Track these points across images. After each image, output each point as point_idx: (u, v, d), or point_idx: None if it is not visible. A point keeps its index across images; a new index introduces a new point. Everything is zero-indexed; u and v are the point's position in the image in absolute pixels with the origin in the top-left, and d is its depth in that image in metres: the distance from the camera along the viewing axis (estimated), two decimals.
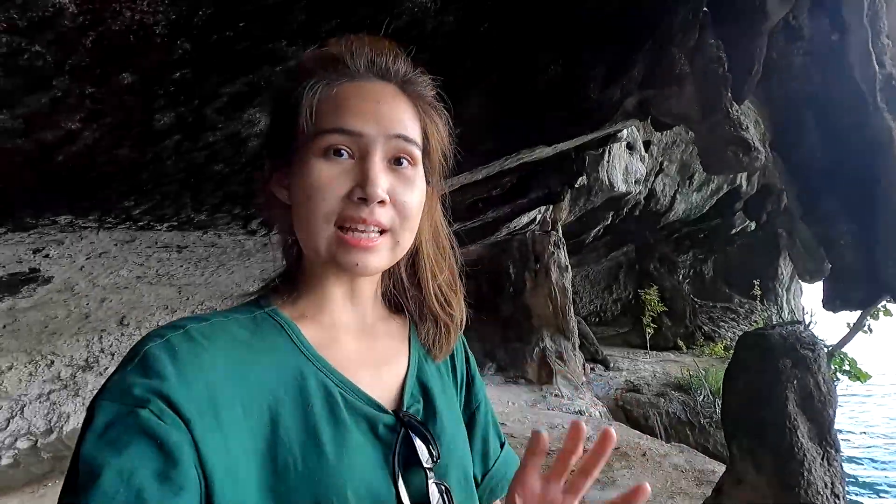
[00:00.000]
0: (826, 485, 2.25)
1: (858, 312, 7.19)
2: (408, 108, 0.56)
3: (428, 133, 0.58)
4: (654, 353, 8.68)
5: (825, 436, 2.31)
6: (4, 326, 3.15)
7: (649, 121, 3.36)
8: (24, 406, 3.74)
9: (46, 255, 2.31)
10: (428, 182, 0.59)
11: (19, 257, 2.23)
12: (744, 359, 2.56)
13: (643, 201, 8.91)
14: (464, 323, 0.66)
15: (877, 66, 2.73)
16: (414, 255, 0.63)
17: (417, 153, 0.56)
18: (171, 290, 3.88)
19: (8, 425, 3.67)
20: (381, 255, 0.54)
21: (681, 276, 12.43)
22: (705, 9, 2.70)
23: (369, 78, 0.55)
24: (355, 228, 0.52)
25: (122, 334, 4.22)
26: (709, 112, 2.66)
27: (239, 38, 1.33)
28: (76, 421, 4.10)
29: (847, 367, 7.15)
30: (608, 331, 10.97)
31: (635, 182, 7.54)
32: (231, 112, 1.59)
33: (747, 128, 2.59)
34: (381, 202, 0.52)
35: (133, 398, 0.42)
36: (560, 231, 7.00)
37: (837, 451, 2.31)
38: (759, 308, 10.26)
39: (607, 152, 6.58)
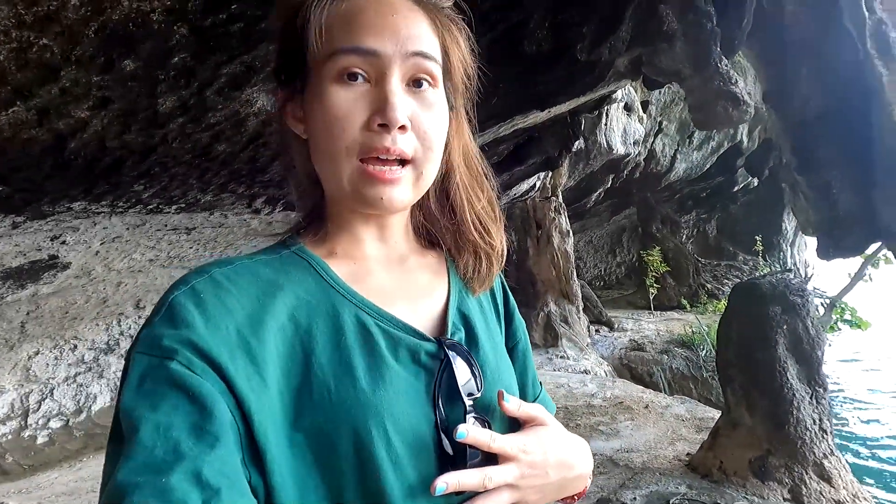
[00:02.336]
0: (814, 421, 2.38)
1: (858, 263, 7.26)
2: (424, 21, 0.51)
3: (448, 49, 0.53)
4: (658, 312, 8.81)
5: (814, 376, 2.42)
6: (28, 313, 3.30)
7: (641, 80, 3.37)
8: (53, 389, 3.93)
9: (63, 242, 2.42)
10: (451, 106, 0.55)
11: (38, 245, 2.34)
12: (737, 307, 2.66)
13: (643, 163, 8.87)
14: (504, 253, 0.62)
15: (866, 12, 2.73)
16: (445, 183, 0.59)
17: (437, 71, 0.51)
18: (183, 272, 4.00)
19: (40, 407, 3.87)
20: (405, 189, 0.51)
21: (684, 236, 12.45)
22: None
23: None
24: (377, 158, 0.49)
25: (140, 317, 4.38)
26: (699, 68, 2.68)
27: (233, 19, 1.39)
28: (104, 401, 4.30)
29: (848, 317, 7.27)
30: (613, 293, 11.10)
31: (634, 143, 7.51)
32: (230, 92, 1.65)
33: (737, 82, 2.62)
34: (402, 128, 0.48)
35: (161, 349, 0.42)
36: (560, 197, 7.04)
37: (825, 389, 2.43)
38: (762, 264, 10.31)
39: (604, 115, 6.54)
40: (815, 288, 9.15)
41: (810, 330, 2.43)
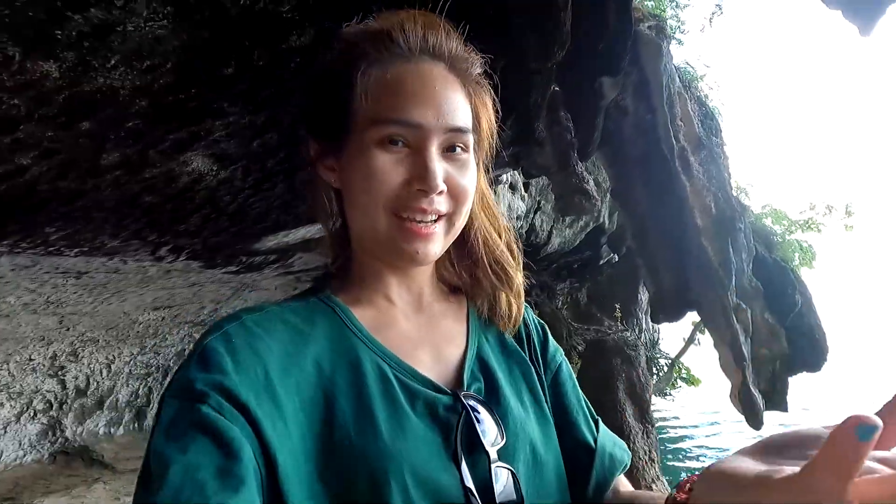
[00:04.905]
0: (646, 452, 2.97)
1: (690, 329, 8.80)
2: (460, 92, 0.54)
3: (479, 113, 0.57)
4: None
5: (644, 415, 3.04)
6: None
7: (521, 170, 4.10)
8: None
9: None
10: (476, 162, 0.58)
11: None
12: (589, 359, 3.26)
13: (525, 235, 9.97)
14: (522, 291, 0.64)
15: (674, 141, 3.74)
16: (465, 229, 0.59)
17: (471, 140, 0.55)
18: (52, 319, 3.71)
19: None
20: (437, 242, 0.54)
21: (560, 302, 13.88)
22: (557, 88, 3.50)
23: (422, 58, 0.53)
24: (414, 219, 0.52)
25: None
26: (561, 167, 3.42)
27: (190, 99, 1.65)
28: None
29: (684, 375, 8.67)
30: None
31: (517, 218, 8.51)
32: (171, 153, 1.86)
33: (588, 181, 3.39)
34: (440, 192, 0.52)
35: (193, 393, 0.44)
36: None
37: (653, 426, 3.05)
38: (621, 328, 11.81)
39: (493, 192, 7.41)
40: (661, 350, 10.76)
41: (641, 378, 3.09)
